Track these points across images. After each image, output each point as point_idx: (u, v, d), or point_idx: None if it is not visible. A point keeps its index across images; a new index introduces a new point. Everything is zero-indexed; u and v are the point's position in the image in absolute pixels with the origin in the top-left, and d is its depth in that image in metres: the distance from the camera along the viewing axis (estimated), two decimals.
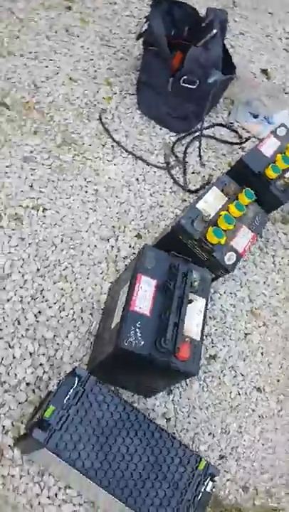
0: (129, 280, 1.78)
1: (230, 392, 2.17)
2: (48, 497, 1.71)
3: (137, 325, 1.67)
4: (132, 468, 1.52)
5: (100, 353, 1.82)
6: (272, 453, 2.13)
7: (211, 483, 1.59)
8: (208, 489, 1.58)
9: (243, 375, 2.23)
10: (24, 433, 1.65)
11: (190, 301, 1.77)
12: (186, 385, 2.10)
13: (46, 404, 1.51)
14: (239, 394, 2.18)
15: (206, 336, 2.25)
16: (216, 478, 1.63)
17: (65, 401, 1.53)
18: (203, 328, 1.77)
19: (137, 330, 1.66)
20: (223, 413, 2.11)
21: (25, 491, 1.68)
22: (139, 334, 1.65)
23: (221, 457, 2.02)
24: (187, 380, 2.10)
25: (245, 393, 2.20)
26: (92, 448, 1.50)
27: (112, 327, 1.79)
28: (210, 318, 2.29)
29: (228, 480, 1.99)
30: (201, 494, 1.56)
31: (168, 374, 1.70)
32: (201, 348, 1.73)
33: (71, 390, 1.55)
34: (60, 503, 1.71)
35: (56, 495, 1.72)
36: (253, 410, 2.17)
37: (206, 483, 1.58)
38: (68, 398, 1.53)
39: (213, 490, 1.64)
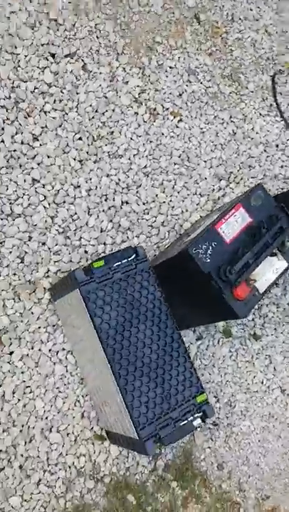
0: (227, 207, 1.74)
1: (254, 377, 2.06)
2: (50, 350, 1.72)
3: (212, 244, 1.62)
4: (140, 356, 1.49)
5: (164, 256, 1.79)
6: (263, 455, 2.00)
7: (199, 420, 1.52)
8: (194, 423, 1.51)
9: (275, 370, 2.10)
10: (64, 277, 1.67)
11: (273, 255, 1.69)
12: (218, 343, 2.02)
13: (97, 259, 1.52)
14: (262, 383, 2.06)
15: (261, 317, 2.15)
16: (207, 421, 1.55)
17: (115, 265, 1.52)
18: (270, 286, 1.69)
19: (210, 248, 1.61)
20: (237, 388, 2.00)
21: (34, 332, 1.71)
22: (209, 252, 1.60)
23: (215, 424, 1.93)
24: (219, 337, 2.02)
25: (268, 387, 2.07)
26: (116, 315, 1.49)
27: (186, 240, 1.75)
28: (274, 304, 2.18)
29: (209, 448, 1.90)
30: (185, 422, 1.49)
31: (216, 305, 1.64)
32: (258, 301, 1.65)
33: (125, 260, 1.54)
34: (56, 360, 1.72)
35: (57, 353, 1.73)
36: (267, 404, 2.04)
37: (195, 416, 1.51)
38: (119, 264, 1.52)
39: (198, 429, 1.57)
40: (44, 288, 1.75)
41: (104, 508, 1.67)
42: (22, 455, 1.60)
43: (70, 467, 1.66)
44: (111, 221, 1.95)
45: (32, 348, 1.70)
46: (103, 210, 1.94)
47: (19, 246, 1.74)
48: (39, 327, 1.72)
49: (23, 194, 1.79)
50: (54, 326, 1.74)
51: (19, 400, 1.63)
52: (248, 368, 2.05)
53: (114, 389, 1.47)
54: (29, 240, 1.77)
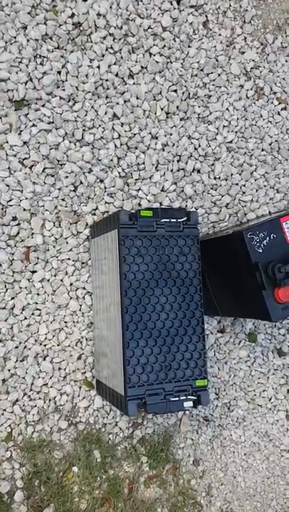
0: None
1: (264, 391, 1.93)
2: (71, 284, 1.69)
3: (272, 236, 1.50)
4: (154, 317, 1.42)
5: (217, 235, 1.70)
6: (244, 469, 1.88)
7: (191, 403, 1.43)
8: (185, 404, 1.43)
9: (288, 393, 1.96)
10: (108, 216, 1.61)
11: None
12: (239, 343, 1.91)
13: (147, 208, 1.45)
14: (270, 400, 1.94)
15: None
16: (199, 414, 1.47)
17: (163, 220, 1.45)
18: None
19: (267, 239, 1.50)
20: (242, 395, 1.89)
21: (62, 261, 1.68)
22: (265, 243, 1.49)
23: (206, 419, 1.83)
24: (242, 338, 1.90)
25: (275, 406, 1.94)
26: (145, 269, 1.42)
27: (246, 225, 1.65)
28: None
29: (191, 440, 1.81)
30: (176, 399, 1.41)
31: (252, 299, 1.53)
32: None
33: (174, 220, 1.46)
34: (73, 296, 1.69)
35: (77, 289, 1.69)
36: (267, 422, 1.92)
37: (188, 397, 1.42)
38: (167, 222, 1.45)
39: (186, 412, 1.49)
40: (86, 223, 1.71)
41: (68, 453, 1.64)
42: (9, 370, 1.59)
43: (50, 400, 1.63)
44: (175, 183, 1.86)
45: (55, 276, 1.67)
46: (171, 170, 1.85)
47: (77, 174, 1.70)
48: (68, 258, 1.69)
49: (99, 125, 1.74)
50: (83, 263, 1.70)
51: (25, 318, 1.62)
52: (261, 380, 1.93)
53: (118, 340, 1.41)
54: (89, 172, 1.73)
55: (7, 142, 1.63)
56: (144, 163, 1.81)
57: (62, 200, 1.70)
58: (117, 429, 1.70)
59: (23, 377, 1.60)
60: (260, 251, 1.48)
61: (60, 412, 1.65)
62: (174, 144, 1.86)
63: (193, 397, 1.43)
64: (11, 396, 1.58)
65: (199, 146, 1.90)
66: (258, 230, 1.48)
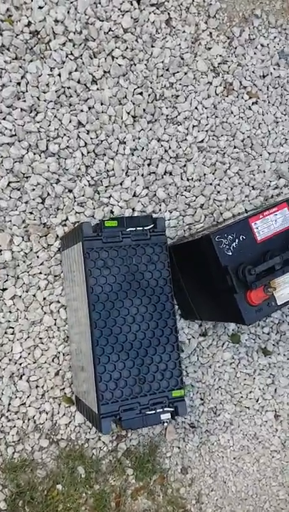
0: (271, 205, 1.57)
1: (250, 392, 1.90)
2: (44, 298, 1.65)
3: (241, 237, 1.47)
4: (125, 330, 1.39)
5: (194, 237, 1.66)
6: (234, 474, 1.86)
7: (168, 415, 1.40)
8: (162, 416, 1.40)
9: (275, 392, 1.93)
10: (74, 227, 1.58)
11: None
12: (222, 345, 1.88)
13: (112, 218, 1.42)
14: (257, 401, 1.90)
15: (278, 334, 1.97)
16: (185, 421, 1.44)
17: (128, 229, 1.41)
18: None
19: (236, 241, 1.46)
20: (228, 398, 1.86)
21: (34, 275, 1.65)
22: (234, 245, 1.46)
23: (192, 426, 1.80)
24: (225, 340, 1.87)
25: (262, 407, 1.91)
26: (113, 281, 1.39)
27: (217, 227, 1.61)
28: None
29: (178, 448, 1.78)
30: (153, 412, 1.38)
31: (225, 303, 1.50)
32: (271, 312, 1.49)
33: (141, 228, 1.43)
34: (47, 311, 1.65)
35: (51, 303, 1.66)
36: (256, 424, 1.89)
37: (165, 409, 1.39)
38: (133, 230, 1.41)
39: (164, 424, 1.46)
40: (57, 235, 1.68)
41: (51, 471, 1.61)
42: None
43: (29, 420, 1.60)
44: (147, 188, 1.82)
45: (27, 291, 1.63)
46: (142, 175, 1.82)
47: (44, 186, 1.66)
48: (40, 272, 1.65)
49: (64, 134, 1.70)
50: (56, 276, 1.67)
51: None
52: (247, 381, 1.90)
53: (90, 356, 1.38)
54: (56, 183, 1.69)
55: None
56: (113, 169, 1.77)
57: (30, 213, 1.66)
58: (100, 444, 1.67)
59: (0, 399, 1.57)
60: (230, 254, 1.45)
61: (41, 430, 1.62)
62: (143, 148, 1.82)
63: (170, 409, 1.40)
64: None
65: (169, 148, 1.86)
66: (226, 233, 1.45)
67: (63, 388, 1.64)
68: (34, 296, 1.64)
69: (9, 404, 1.58)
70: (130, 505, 1.67)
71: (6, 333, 1.59)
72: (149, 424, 1.39)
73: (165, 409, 1.40)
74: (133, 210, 1.78)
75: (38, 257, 1.65)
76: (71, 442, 1.64)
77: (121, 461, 1.68)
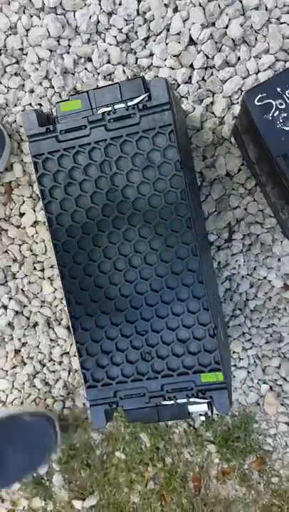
0: None
1: None
2: None
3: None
4: (116, 278, 0.87)
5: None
6: None
7: (203, 407, 0.87)
8: (191, 409, 0.88)
9: None
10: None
11: None
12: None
13: (71, 95, 0.85)
14: None
15: None
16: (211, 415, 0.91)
17: (100, 111, 0.83)
18: None
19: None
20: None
21: None
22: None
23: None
24: None
25: None
26: (88, 204, 0.86)
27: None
28: None
29: (288, 425, 1.21)
30: (171, 402, 0.88)
31: None
32: None
33: (122, 105, 0.82)
34: None
35: None
36: None
37: (189, 399, 0.87)
38: (108, 111, 0.82)
39: (201, 418, 0.95)
40: None
41: (109, 434, 1.29)
42: (19, 339, 1.29)
43: (76, 371, 1.29)
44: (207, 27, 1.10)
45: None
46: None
47: (49, 59, 1.15)
48: None
49: None
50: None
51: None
52: None
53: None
54: (66, 53, 1.15)
55: None
56: (150, 8, 1.11)
57: (39, 105, 1.20)
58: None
59: (37, 346, 1.29)
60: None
61: None
62: None
63: (200, 400, 0.87)
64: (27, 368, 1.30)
65: None
66: (273, 87, 0.71)
67: None
68: None
69: (50, 353, 1.29)
70: (216, 489, 1.24)
71: (35, 268, 1.26)
72: (168, 418, 0.90)
73: (192, 399, 0.87)
74: (192, 67, 1.12)
75: None
76: None
77: (199, 432, 1.24)
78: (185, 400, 0.87)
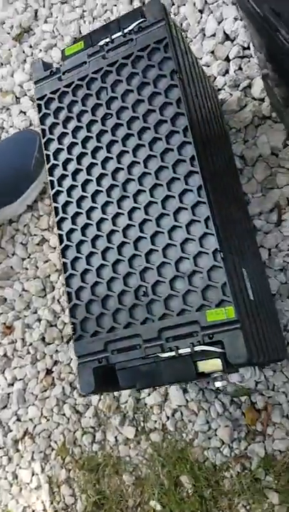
0: None
1: None
2: None
3: None
4: (110, 210, 0.77)
5: None
6: None
7: (216, 363, 0.65)
8: (201, 367, 0.66)
9: None
10: None
11: None
12: None
13: (75, 40, 0.86)
14: None
15: None
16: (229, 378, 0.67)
17: (99, 44, 0.82)
18: None
19: None
20: None
21: None
22: None
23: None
24: None
25: None
26: (84, 139, 0.82)
27: None
28: None
29: None
30: (172, 353, 0.68)
31: None
32: None
33: (119, 34, 0.81)
34: None
35: None
36: None
37: (194, 348, 0.66)
38: (108, 42, 0.81)
39: (217, 384, 0.70)
40: None
41: (144, 478, 1.01)
42: (51, 356, 1.16)
43: (107, 394, 1.09)
44: None
45: None
46: None
47: None
48: None
49: None
50: None
51: None
52: None
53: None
54: None
55: None
56: None
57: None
58: (216, 442, 0.96)
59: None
60: None
61: (122, 412, 1.07)
62: None
63: (209, 347, 0.65)
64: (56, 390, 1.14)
65: None
66: None
67: None
68: None
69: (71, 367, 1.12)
70: None
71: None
72: (170, 379, 0.68)
73: (197, 347, 0.66)
74: (228, 60, 1.10)
75: None
76: (170, 435, 1.01)
77: (256, 475, 0.91)
78: (189, 350, 0.66)
